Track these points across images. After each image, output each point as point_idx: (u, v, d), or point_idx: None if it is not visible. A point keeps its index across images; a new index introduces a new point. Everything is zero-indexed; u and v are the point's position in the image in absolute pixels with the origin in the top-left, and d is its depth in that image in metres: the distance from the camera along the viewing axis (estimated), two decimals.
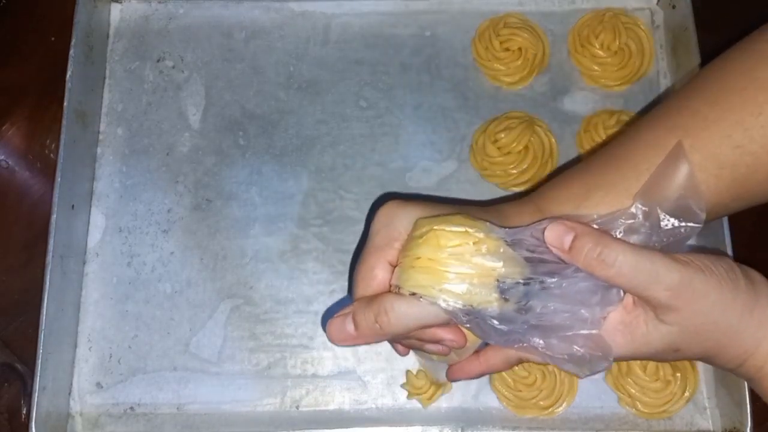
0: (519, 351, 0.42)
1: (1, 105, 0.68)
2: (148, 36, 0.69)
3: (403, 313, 0.39)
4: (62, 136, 0.60)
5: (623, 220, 0.41)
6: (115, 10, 0.69)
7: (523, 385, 0.58)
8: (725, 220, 0.58)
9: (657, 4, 0.69)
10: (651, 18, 0.69)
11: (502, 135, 0.63)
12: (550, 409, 0.58)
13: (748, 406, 0.55)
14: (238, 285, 0.62)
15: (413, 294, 0.39)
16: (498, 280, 0.39)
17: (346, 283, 0.62)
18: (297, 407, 0.60)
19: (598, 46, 0.66)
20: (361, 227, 0.63)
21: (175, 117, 0.66)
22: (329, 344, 0.60)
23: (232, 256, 0.63)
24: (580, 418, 0.59)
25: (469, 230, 0.40)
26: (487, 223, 0.40)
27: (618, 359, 0.41)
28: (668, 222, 0.40)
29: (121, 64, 0.68)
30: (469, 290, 0.39)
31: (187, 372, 0.60)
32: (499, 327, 0.39)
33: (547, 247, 0.40)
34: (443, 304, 0.39)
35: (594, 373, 0.40)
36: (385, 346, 0.60)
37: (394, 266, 0.42)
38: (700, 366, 0.60)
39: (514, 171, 0.63)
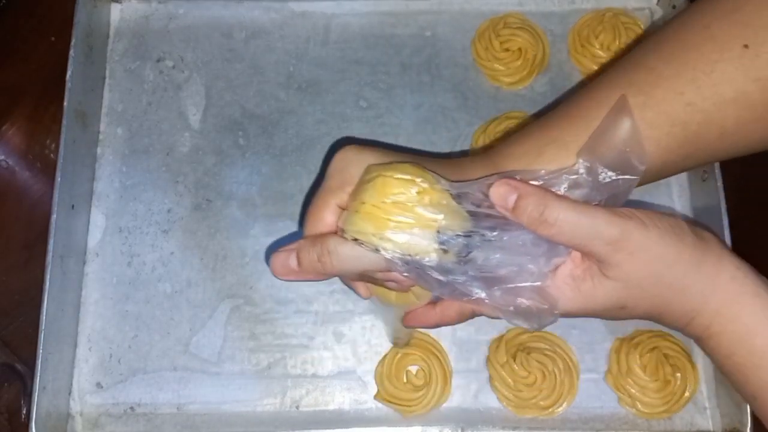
0: (470, 304, 0.43)
1: (1, 105, 0.68)
2: (148, 36, 0.69)
3: (344, 256, 0.40)
4: (62, 136, 0.60)
5: (567, 176, 0.41)
6: (115, 10, 0.69)
7: (523, 385, 0.58)
8: (725, 219, 0.58)
9: (657, 4, 0.69)
10: (651, 18, 0.69)
11: (502, 135, 0.63)
12: (550, 409, 0.58)
13: (749, 406, 0.55)
14: (238, 285, 0.62)
15: (355, 240, 0.40)
16: (438, 232, 0.40)
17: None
18: (297, 407, 0.60)
19: (598, 47, 0.66)
20: None
21: (175, 117, 0.66)
22: (329, 344, 0.61)
23: (232, 256, 0.63)
24: (580, 418, 0.59)
25: (415, 179, 0.40)
26: (435, 175, 0.41)
27: (566, 314, 0.41)
28: (606, 176, 0.41)
29: (121, 64, 0.68)
30: (408, 240, 0.39)
31: (187, 372, 0.60)
32: (438, 277, 0.40)
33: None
34: (383, 252, 0.39)
35: (542, 327, 0.41)
36: (386, 346, 0.60)
37: (344, 209, 0.42)
38: (700, 366, 0.60)
39: None
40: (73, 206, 0.61)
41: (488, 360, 0.60)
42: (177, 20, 0.69)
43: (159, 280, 0.62)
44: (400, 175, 0.40)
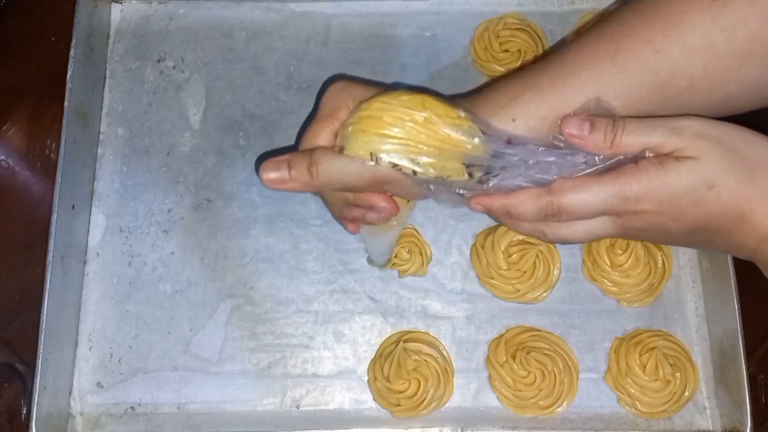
0: None
1: (1, 105, 0.68)
2: (149, 36, 0.69)
3: (331, 167, 0.44)
4: (63, 137, 0.60)
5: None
6: (116, 10, 0.69)
7: (523, 384, 0.58)
8: None
9: None
10: None
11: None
12: (550, 409, 0.59)
13: (748, 406, 0.55)
14: (238, 285, 0.62)
15: (394, 165, 0.43)
16: (465, 156, 0.43)
17: (347, 283, 0.62)
18: (297, 407, 0.60)
19: None
20: None
21: (176, 117, 0.67)
22: (329, 344, 0.61)
23: (233, 256, 0.63)
24: (579, 417, 0.59)
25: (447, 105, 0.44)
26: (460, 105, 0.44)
27: (643, 197, 0.41)
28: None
29: (122, 64, 0.68)
30: (440, 163, 0.43)
31: (188, 372, 0.60)
32: (460, 192, 0.45)
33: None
34: (418, 171, 0.43)
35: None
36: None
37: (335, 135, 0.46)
38: (700, 366, 0.60)
39: None
40: (73, 206, 0.61)
41: (488, 359, 0.60)
42: (177, 20, 0.69)
43: (159, 280, 0.62)
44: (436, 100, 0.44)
